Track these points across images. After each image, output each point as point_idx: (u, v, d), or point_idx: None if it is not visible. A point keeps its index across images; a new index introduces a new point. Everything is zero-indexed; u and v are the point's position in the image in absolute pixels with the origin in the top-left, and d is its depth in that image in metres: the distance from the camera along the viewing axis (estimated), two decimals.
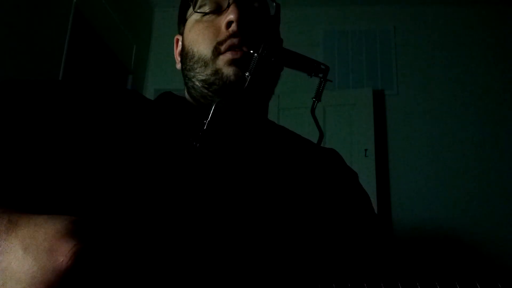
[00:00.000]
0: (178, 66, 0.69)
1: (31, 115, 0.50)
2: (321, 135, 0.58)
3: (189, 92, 0.66)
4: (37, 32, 1.82)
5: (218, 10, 0.61)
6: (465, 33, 2.81)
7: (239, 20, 0.57)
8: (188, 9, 0.65)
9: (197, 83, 0.62)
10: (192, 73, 0.62)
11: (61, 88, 0.56)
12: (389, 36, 2.89)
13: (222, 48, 0.58)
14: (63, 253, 0.33)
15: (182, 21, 0.67)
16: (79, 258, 0.33)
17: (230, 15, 0.58)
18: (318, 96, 0.54)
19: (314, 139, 0.69)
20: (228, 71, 0.58)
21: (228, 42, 0.58)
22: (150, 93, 2.88)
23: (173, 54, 0.72)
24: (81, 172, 0.48)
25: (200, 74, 0.61)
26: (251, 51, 0.54)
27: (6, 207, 0.38)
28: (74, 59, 2.08)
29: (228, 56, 0.58)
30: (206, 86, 0.60)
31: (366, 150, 2.52)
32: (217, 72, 0.59)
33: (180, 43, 0.70)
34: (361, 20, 2.93)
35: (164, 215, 0.46)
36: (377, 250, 0.60)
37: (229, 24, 0.58)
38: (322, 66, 0.52)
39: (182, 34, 0.67)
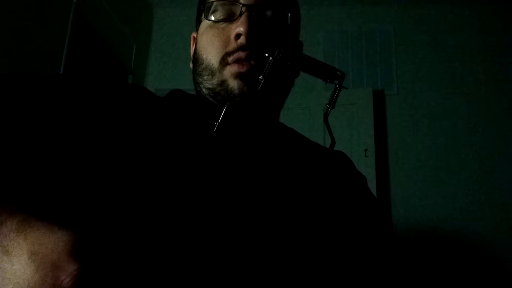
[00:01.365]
0: (191, 64, 0.68)
1: (38, 109, 0.49)
2: (333, 142, 0.58)
3: (198, 93, 0.66)
4: (37, 32, 1.81)
5: (230, 18, 0.60)
6: (465, 33, 2.82)
7: (249, 33, 0.56)
8: (201, 12, 0.64)
9: (204, 89, 0.62)
10: (200, 79, 0.63)
11: (71, 84, 0.56)
12: (389, 36, 2.89)
13: (230, 59, 0.58)
14: (66, 272, 0.33)
15: (198, 20, 0.67)
16: (79, 282, 0.33)
17: (240, 27, 0.57)
18: (332, 103, 0.53)
19: (313, 138, 0.69)
20: (233, 83, 0.58)
21: (236, 55, 0.57)
22: None
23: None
24: (89, 169, 0.48)
25: (207, 82, 0.61)
26: (266, 55, 0.54)
27: (19, 206, 0.38)
28: (74, 59, 2.06)
29: (234, 68, 0.58)
30: (212, 94, 0.61)
31: (366, 150, 2.52)
32: (223, 83, 0.59)
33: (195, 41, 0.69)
34: (361, 20, 2.93)
35: (170, 214, 0.46)
36: (383, 255, 0.60)
37: (238, 36, 0.57)
38: (338, 73, 0.52)
39: (197, 33, 0.67)
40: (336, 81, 0.52)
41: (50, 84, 0.53)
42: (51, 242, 0.34)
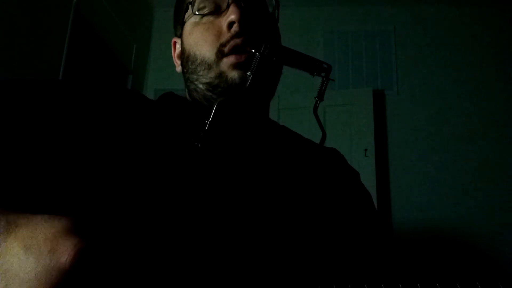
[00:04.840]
0: (178, 69, 0.68)
1: (31, 115, 0.49)
2: (324, 135, 0.58)
3: (190, 95, 0.65)
4: (37, 32, 1.82)
5: (217, 11, 0.60)
6: (465, 33, 2.82)
7: (241, 20, 0.57)
8: (185, 11, 0.64)
9: (200, 85, 0.61)
10: (195, 76, 0.61)
11: (61, 88, 0.56)
12: (389, 36, 2.89)
13: (226, 49, 0.57)
14: (65, 253, 0.33)
15: (179, 23, 0.66)
16: (81, 256, 0.33)
17: (231, 16, 0.57)
18: (320, 96, 0.53)
19: (314, 139, 0.68)
20: (233, 74, 0.57)
21: (232, 43, 0.57)
22: (150, 93, 2.87)
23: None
24: (82, 172, 0.48)
25: (204, 77, 0.60)
26: (253, 51, 0.54)
27: (4, 207, 0.38)
28: (74, 59, 2.07)
29: (232, 60, 0.57)
30: (210, 88, 0.60)
31: (366, 150, 2.52)
32: (221, 75, 0.58)
33: (178, 45, 0.69)
34: (361, 20, 2.94)
35: (164, 215, 0.46)
36: (378, 250, 0.60)
37: (230, 24, 0.57)
38: (325, 65, 0.52)
39: (180, 36, 0.66)
40: (323, 74, 0.52)
41: (40, 90, 0.53)
42: (42, 233, 0.35)
